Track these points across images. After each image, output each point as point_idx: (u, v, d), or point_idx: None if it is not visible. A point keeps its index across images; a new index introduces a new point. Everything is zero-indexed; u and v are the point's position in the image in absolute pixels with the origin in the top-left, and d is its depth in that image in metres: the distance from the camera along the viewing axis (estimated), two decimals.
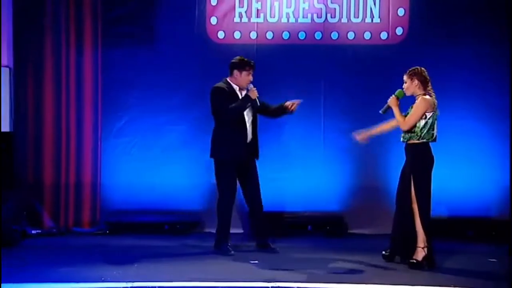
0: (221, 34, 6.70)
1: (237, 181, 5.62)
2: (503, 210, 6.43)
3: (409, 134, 4.95)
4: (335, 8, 6.63)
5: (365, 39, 6.65)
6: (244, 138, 5.47)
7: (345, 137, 6.40)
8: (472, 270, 4.98)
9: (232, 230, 5.67)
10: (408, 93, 5.04)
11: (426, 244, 4.86)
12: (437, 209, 6.20)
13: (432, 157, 4.96)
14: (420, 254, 4.89)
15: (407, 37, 6.62)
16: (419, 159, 4.95)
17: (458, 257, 5.43)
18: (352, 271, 4.84)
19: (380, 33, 6.63)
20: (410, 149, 4.98)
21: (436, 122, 4.95)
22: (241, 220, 6.47)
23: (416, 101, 4.96)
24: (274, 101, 6.25)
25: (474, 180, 6.53)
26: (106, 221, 6.63)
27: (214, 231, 6.09)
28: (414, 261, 4.89)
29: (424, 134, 4.91)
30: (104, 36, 6.63)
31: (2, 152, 6.26)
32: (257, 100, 5.43)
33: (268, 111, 5.67)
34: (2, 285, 4.20)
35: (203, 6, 6.65)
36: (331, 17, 6.63)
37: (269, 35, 6.71)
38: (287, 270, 4.85)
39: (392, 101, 5.01)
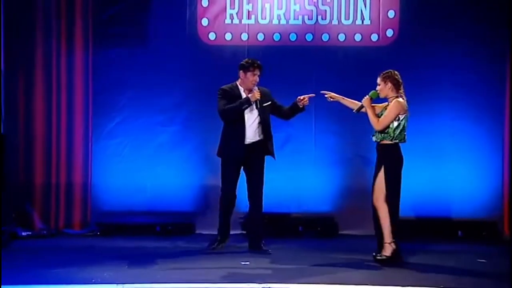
0: (212, 36, 6.69)
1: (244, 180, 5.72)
2: (494, 211, 6.49)
3: (382, 135, 5.09)
4: (325, 10, 6.63)
5: (355, 41, 6.65)
6: (242, 139, 5.49)
7: (336, 138, 6.63)
8: (462, 270, 4.98)
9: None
10: (381, 95, 5.16)
11: (393, 240, 4.98)
12: (426, 210, 6.54)
13: (402, 157, 5.13)
14: (388, 249, 5.00)
15: (398, 38, 6.63)
16: (391, 158, 5.10)
17: (448, 257, 5.47)
18: (342, 272, 4.83)
19: (370, 35, 6.64)
20: (382, 149, 5.13)
21: (406, 124, 5.09)
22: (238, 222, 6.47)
23: (390, 103, 5.09)
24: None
25: (465, 182, 6.55)
26: (97, 222, 6.59)
27: (205, 232, 6.38)
28: (384, 257, 5.00)
29: (397, 135, 5.06)
30: (95, 37, 6.60)
31: None
32: (258, 103, 5.46)
33: (282, 112, 5.70)
34: None
35: (194, 8, 6.64)
36: (322, 19, 6.63)
37: (260, 37, 6.71)
38: (277, 271, 4.85)
39: (366, 101, 5.13)
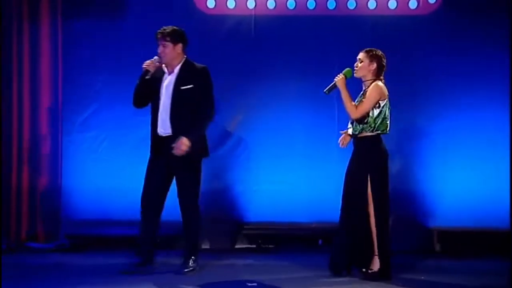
0: (211, 3, 6.37)
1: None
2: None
3: (362, 126, 4.85)
4: None
5: (389, 8, 6.28)
6: (154, 130, 5.04)
7: None
8: None
9: None
10: (358, 74, 4.93)
11: (380, 251, 4.85)
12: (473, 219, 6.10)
13: (387, 151, 4.91)
14: (377, 263, 4.84)
15: (442, 6, 6.25)
16: (375, 153, 4.85)
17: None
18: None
19: (408, 2, 6.27)
20: (362, 142, 4.89)
21: (388, 112, 4.90)
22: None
23: (368, 87, 4.90)
24: (280, 84, 6.30)
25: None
26: (67, 234, 6.23)
27: (204, 246, 6.16)
28: (373, 271, 4.82)
29: (379, 124, 4.84)
30: (65, 4, 6.32)
31: None
32: (148, 73, 4.92)
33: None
34: None
35: None
36: None
37: (271, 4, 6.37)
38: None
39: (340, 81, 4.91)
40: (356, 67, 4.95)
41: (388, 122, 4.89)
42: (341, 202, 4.99)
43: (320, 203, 6.05)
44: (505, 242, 5.94)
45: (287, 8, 6.34)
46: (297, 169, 6.25)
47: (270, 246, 6.31)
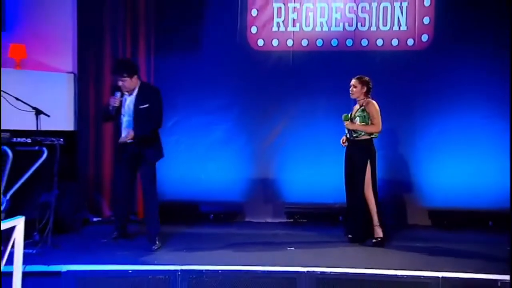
0: (260, 42, 6.70)
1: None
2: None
3: (362, 132, 5.22)
4: (365, 18, 6.60)
5: (392, 45, 6.59)
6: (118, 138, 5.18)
7: None
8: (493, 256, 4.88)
9: None
10: (354, 96, 5.32)
11: (379, 223, 5.14)
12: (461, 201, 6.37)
13: (375, 149, 5.29)
14: (379, 231, 5.15)
15: (432, 43, 6.52)
16: (371, 152, 5.23)
17: (480, 245, 5.34)
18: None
19: (406, 40, 6.56)
20: (360, 143, 5.23)
21: None
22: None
23: (365, 105, 5.22)
24: (311, 102, 6.57)
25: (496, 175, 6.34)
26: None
27: (254, 220, 6.52)
28: (379, 239, 5.14)
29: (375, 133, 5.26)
30: (157, 44, 6.62)
31: (67, 149, 6.00)
32: (110, 108, 4.99)
33: None
34: (66, 266, 4.26)
35: (244, 17, 6.65)
36: (361, 25, 6.59)
37: (304, 43, 6.69)
38: (316, 255, 4.85)
39: (348, 125, 5.29)
40: (352, 91, 5.27)
41: None
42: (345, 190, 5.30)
43: (340, 189, 5.72)
44: (482, 218, 6.32)
45: (316, 45, 6.60)
46: (323, 164, 6.40)
47: (303, 220, 6.54)
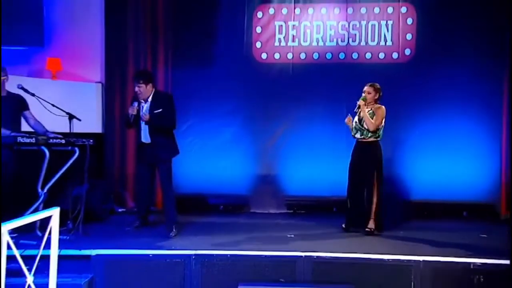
0: (264, 55, 6.67)
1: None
2: (493, 195, 6.30)
3: (371, 134, 5.06)
4: (355, 34, 6.56)
5: (379, 58, 6.56)
6: (139, 140, 5.14)
7: None
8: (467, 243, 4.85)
9: None
10: (368, 100, 5.12)
11: (375, 216, 5.05)
12: (439, 194, 6.30)
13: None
14: (372, 223, 5.07)
15: (414, 56, 6.50)
16: (379, 152, 5.09)
17: (455, 233, 5.30)
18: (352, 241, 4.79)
19: (392, 54, 6.54)
20: (369, 145, 5.08)
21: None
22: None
23: (374, 109, 5.08)
24: (308, 107, 6.49)
25: (470, 171, 6.36)
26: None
27: (258, 211, 6.47)
28: (371, 229, 5.07)
29: (381, 134, 5.12)
30: (174, 56, 6.59)
31: (96, 149, 6.00)
32: (129, 116, 5.00)
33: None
34: (95, 250, 4.28)
35: (250, 34, 6.62)
36: (352, 41, 6.54)
37: (302, 56, 6.65)
38: (313, 242, 4.81)
39: (362, 103, 5.10)
40: (366, 97, 5.10)
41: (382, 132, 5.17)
42: (348, 185, 5.17)
43: (335, 183, 5.98)
44: (458, 209, 6.28)
45: (313, 58, 6.55)
46: (319, 162, 6.41)
47: (302, 211, 6.50)
